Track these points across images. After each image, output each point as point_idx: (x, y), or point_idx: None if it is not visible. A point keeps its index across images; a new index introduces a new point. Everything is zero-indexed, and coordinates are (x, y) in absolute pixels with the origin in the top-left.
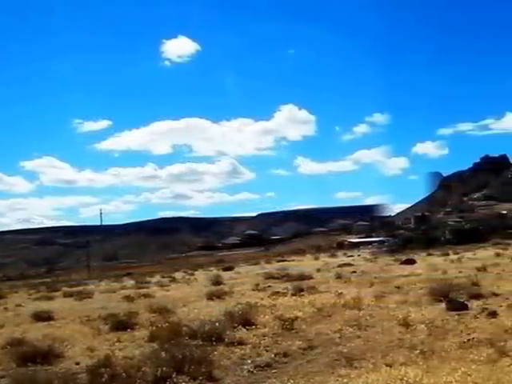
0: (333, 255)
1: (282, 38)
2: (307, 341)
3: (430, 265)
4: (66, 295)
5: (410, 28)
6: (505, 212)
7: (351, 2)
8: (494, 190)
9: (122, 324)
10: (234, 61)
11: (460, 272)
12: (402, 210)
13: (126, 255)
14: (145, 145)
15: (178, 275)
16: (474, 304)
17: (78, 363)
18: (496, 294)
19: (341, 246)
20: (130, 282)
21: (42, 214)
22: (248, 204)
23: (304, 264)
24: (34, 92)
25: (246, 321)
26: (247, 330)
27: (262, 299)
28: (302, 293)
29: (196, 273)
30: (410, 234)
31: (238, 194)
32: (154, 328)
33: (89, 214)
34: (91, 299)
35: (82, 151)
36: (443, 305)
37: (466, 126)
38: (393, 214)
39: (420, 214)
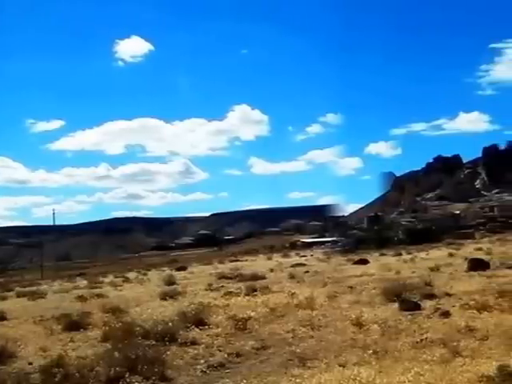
0: (286, 255)
1: (235, 37)
2: (260, 341)
3: (383, 265)
4: (19, 295)
5: (364, 28)
6: (458, 212)
7: (305, 2)
8: (446, 190)
9: (75, 324)
10: (187, 61)
11: (413, 272)
12: (355, 210)
13: (80, 255)
14: (98, 145)
15: (132, 275)
16: (427, 304)
17: (31, 363)
18: (449, 294)
19: (294, 246)
20: (83, 282)
21: None
22: (201, 204)
23: (257, 264)
24: None
25: (199, 321)
26: (200, 329)
27: (215, 299)
28: (255, 293)
29: (149, 273)
30: (363, 234)
31: (191, 194)
32: (107, 328)
33: (42, 214)
34: (44, 299)
35: (35, 151)
36: (396, 305)
37: (419, 126)
38: (346, 214)
39: (373, 214)
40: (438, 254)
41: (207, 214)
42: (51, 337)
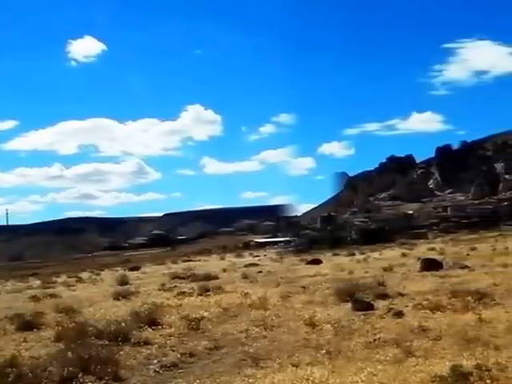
0: (239, 255)
1: (189, 37)
2: (213, 341)
3: (336, 265)
4: None
5: (317, 27)
6: (411, 212)
7: (258, 2)
8: (400, 190)
9: (28, 324)
10: (140, 60)
11: (366, 272)
12: (308, 210)
13: (33, 255)
14: (51, 145)
15: (85, 275)
16: (380, 304)
17: None
18: (402, 294)
19: (247, 246)
20: (36, 282)
21: None
22: (154, 204)
23: (210, 264)
24: None
25: (152, 321)
26: (153, 329)
27: (168, 299)
28: (208, 293)
29: (102, 273)
30: (316, 234)
31: (144, 193)
32: (61, 328)
33: None
34: None
35: None
36: (349, 305)
37: (372, 126)
38: (299, 214)
39: (326, 214)
40: (391, 254)
41: (160, 214)
42: (4, 337)
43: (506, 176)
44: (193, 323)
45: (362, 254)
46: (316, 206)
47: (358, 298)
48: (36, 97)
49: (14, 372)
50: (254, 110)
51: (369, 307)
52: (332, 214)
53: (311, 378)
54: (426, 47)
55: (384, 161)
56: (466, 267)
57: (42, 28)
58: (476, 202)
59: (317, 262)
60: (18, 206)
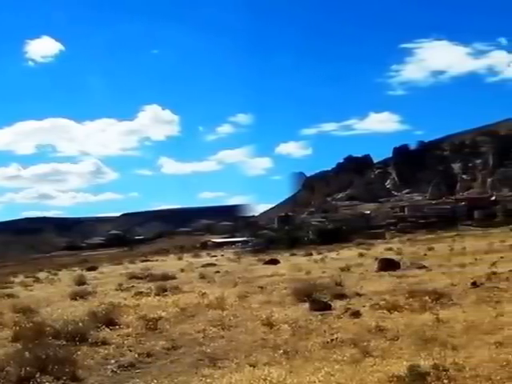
0: (196, 255)
1: (146, 38)
2: (171, 341)
3: (294, 265)
4: None
5: (275, 29)
6: (368, 212)
7: (215, 3)
8: (357, 190)
9: None
10: (98, 60)
11: (323, 272)
12: (265, 210)
13: None
14: (8, 145)
15: (42, 275)
16: (338, 304)
17: None
18: (359, 294)
19: (204, 246)
20: None
21: None
22: (112, 204)
23: (167, 264)
24: None
25: (109, 321)
26: (111, 329)
27: (126, 299)
28: (166, 293)
29: (60, 273)
30: (274, 234)
31: (101, 194)
32: (18, 328)
33: None
34: None
35: None
36: (307, 305)
37: (329, 126)
38: (256, 214)
39: (283, 214)
40: (348, 254)
41: (118, 214)
42: None
43: (463, 176)
44: (150, 323)
45: (320, 254)
46: (273, 206)
47: (316, 298)
48: None
49: None
50: (211, 110)
51: (326, 307)
52: (289, 214)
53: (269, 378)
54: (384, 47)
55: (341, 161)
56: (424, 267)
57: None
58: (433, 202)
59: (274, 262)
60: None
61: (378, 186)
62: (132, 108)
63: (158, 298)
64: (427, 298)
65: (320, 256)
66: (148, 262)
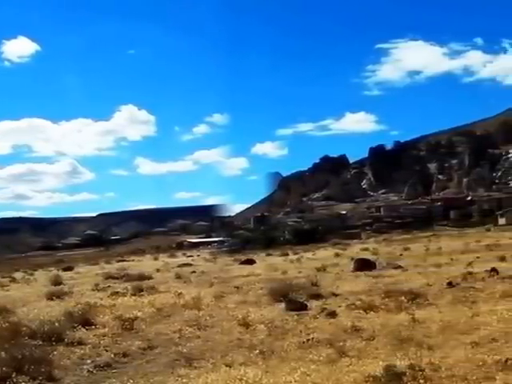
0: (172, 255)
1: (122, 38)
2: (147, 341)
3: (270, 265)
4: None
5: (251, 29)
6: (344, 212)
7: (192, 3)
8: (333, 190)
9: None
10: (74, 61)
11: (299, 272)
12: (241, 210)
13: None
14: None
15: (18, 275)
16: (314, 304)
17: None
18: (335, 294)
19: (180, 246)
20: None
21: None
22: (88, 204)
23: (144, 264)
24: None
25: (85, 321)
26: (87, 330)
27: (102, 299)
28: (142, 293)
29: (36, 273)
30: (250, 234)
31: (77, 194)
32: None
33: None
34: None
35: None
36: (283, 305)
37: (305, 127)
38: (232, 215)
39: (259, 214)
40: (324, 254)
41: (94, 214)
42: None
43: (439, 176)
44: (126, 323)
45: (296, 254)
46: (249, 206)
47: (292, 298)
48: None
49: None
50: (187, 110)
51: (302, 307)
52: (265, 214)
53: (245, 378)
54: (360, 47)
55: (317, 161)
56: (400, 267)
57: None
58: (409, 202)
59: (250, 262)
60: None
61: (354, 186)
62: (108, 108)
63: (134, 298)
64: (403, 298)
65: (296, 256)
66: (124, 262)
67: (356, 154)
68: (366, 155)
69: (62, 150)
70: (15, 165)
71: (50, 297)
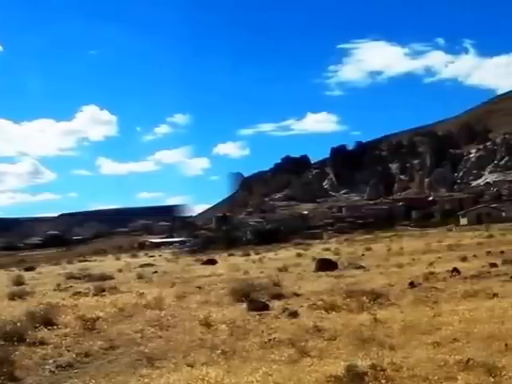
0: (134, 255)
1: (84, 38)
2: (109, 341)
3: (232, 265)
4: None
5: (212, 29)
6: (306, 212)
7: (153, 3)
8: (295, 190)
9: None
10: (36, 61)
11: (261, 272)
12: (203, 210)
13: None
14: None
15: None
16: (276, 304)
17: None
18: (297, 294)
19: (142, 246)
20: None
21: None
22: (50, 204)
23: (106, 264)
24: None
25: (47, 321)
26: (49, 330)
27: (64, 299)
28: (104, 293)
29: None
30: (212, 234)
31: (39, 194)
32: None
33: None
34: None
35: None
36: (244, 305)
37: (267, 127)
38: (194, 215)
39: (221, 215)
40: (286, 254)
41: (56, 215)
42: None
43: (401, 176)
44: (88, 323)
45: (258, 254)
46: (211, 206)
47: (254, 298)
48: None
49: None
50: (149, 111)
51: (264, 307)
52: (227, 214)
53: (206, 378)
54: (321, 48)
55: (279, 161)
56: (361, 267)
57: None
58: (371, 202)
59: (212, 262)
60: None
61: (316, 187)
62: (70, 108)
63: (96, 298)
64: (365, 298)
65: (258, 256)
66: (86, 263)
67: (318, 154)
68: (328, 155)
69: (24, 151)
70: None
71: (12, 297)
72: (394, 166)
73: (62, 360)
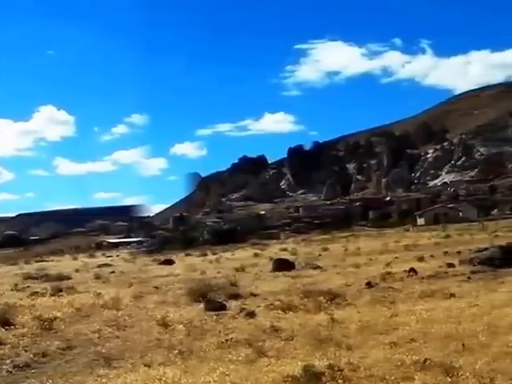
0: (92, 255)
1: (41, 39)
2: (66, 341)
3: (189, 265)
4: None
5: (170, 30)
6: (263, 212)
7: (110, 4)
8: (252, 190)
9: None
10: None
11: (218, 272)
12: (160, 210)
13: None
14: None
15: None
16: (233, 304)
17: None
18: (254, 295)
19: (100, 246)
20: None
21: None
22: (7, 204)
23: (63, 264)
24: None
25: (4, 321)
26: (6, 330)
27: (21, 299)
28: (61, 293)
29: None
30: (169, 234)
31: None
32: None
33: None
34: None
35: None
36: (202, 305)
37: (224, 127)
38: (152, 215)
39: (178, 215)
40: (243, 254)
41: (13, 215)
42: None
43: (358, 176)
44: (46, 323)
45: (215, 254)
46: (169, 206)
47: (211, 299)
48: None
49: None
50: (106, 111)
51: (221, 307)
52: (184, 214)
53: (164, 378)
54: (278, 48)
55: (236, 161)
56: (318, 267)
57: None
58: (328, 202)
59: (169, 262)
60: None
61: (273, 187)
62: (27, 108)
63: (53, 298)
64: (322, 298)
65: (215, 256)
66: (43, 263)
67: (275, 154)
68: (285, 156)
69: None
70: None
71: None
72: (351, 166)
73: (20, 360)
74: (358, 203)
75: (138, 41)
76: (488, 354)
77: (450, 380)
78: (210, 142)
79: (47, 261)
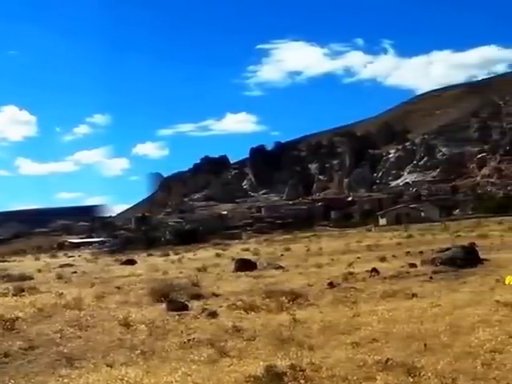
0: (54, 256)
1: (3, 38)
2: (28, 341)
3: (151, 265)
4: None
5: (131, 30)
6: (225, 212)
7: (72, 4)
8: (214, 190)
9: None
10: None
11: (180, 272)
12: (122, 210)
13: None
14: None
15: None
16: (195, 304)
17: None
18: (216, 295)
19: (62, 246)
20: None
21: None
22: None
23: (25, 265)
24: None
25: None
26: None
27: None
28: (23, 293)
29: None
30: (131, 234)
31: None
32: None
33: None
34: None
35: None
36: (164, 305)
37: (186, 127)
38: (113, 215)
39: (140, 215)
40: (205, 254)
41: None
42: None
43: (320, 176)
44: (7, 323)
45: (177, 254)
46: (131, 206)
47: (173, 299)
48: None
49: None
50: (68, 111)
51: (183, 307)
52: (146, 214)
53: (126, 378)
54: (240, 48)
55: (198, 161)
56: (281, 267)
57: None
58: (290, 202)
59: (131, 262)
60: None
61: (235, 187)
62: None
63: (15, 298)
64: (284, 298)
65: (177, 256)
66: (5, 263)
67: (237, 154)
68: (247, 156)
69: None
70: None
71: None
72: (313, 167)
73: None
74: (320, 203)
75: (99, 40)
76: (450, 354)
77: (412, 380)
78: (171, 142)
79: (9, 261)
